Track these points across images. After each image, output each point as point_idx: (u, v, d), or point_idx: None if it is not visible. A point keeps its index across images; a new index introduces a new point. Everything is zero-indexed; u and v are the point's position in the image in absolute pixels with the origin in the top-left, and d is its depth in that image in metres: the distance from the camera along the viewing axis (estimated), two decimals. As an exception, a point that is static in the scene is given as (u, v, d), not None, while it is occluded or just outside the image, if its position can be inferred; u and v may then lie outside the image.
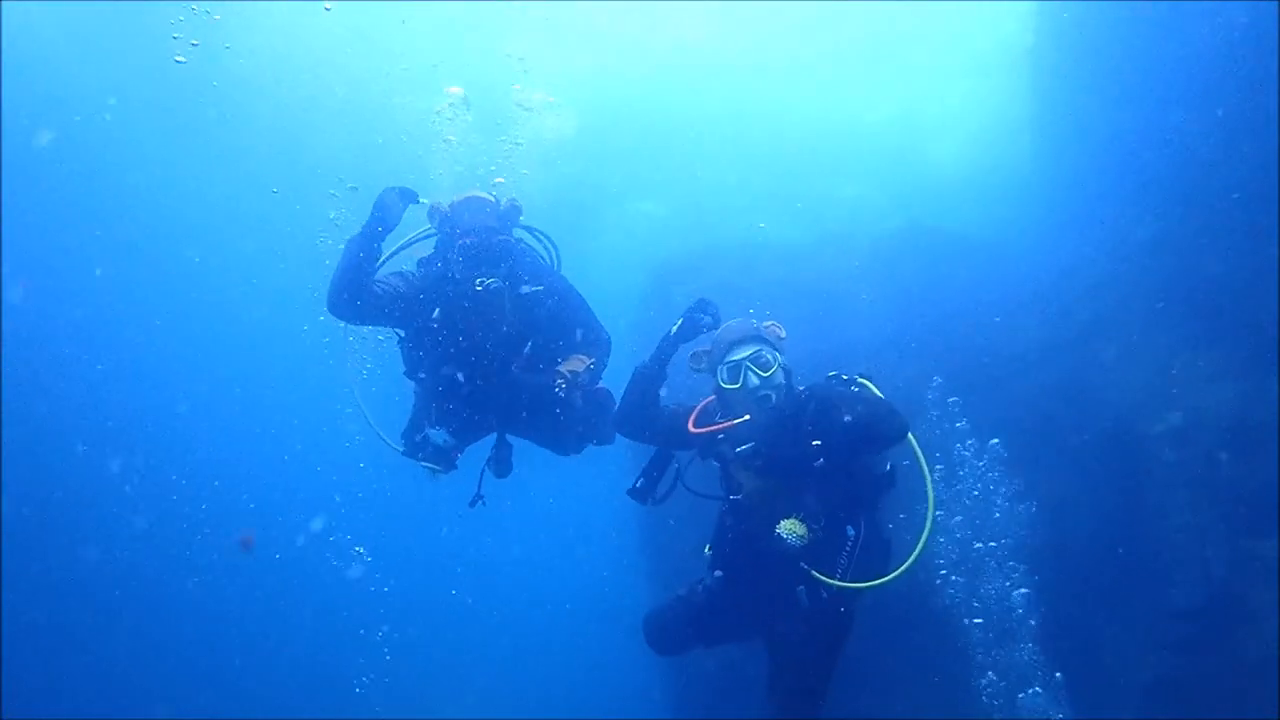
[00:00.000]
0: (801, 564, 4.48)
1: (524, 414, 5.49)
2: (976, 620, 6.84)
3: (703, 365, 4.87)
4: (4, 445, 16.62)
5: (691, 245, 13.42)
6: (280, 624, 20.60)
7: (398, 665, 19.96)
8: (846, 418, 4.41)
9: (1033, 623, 6.74)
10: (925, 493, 4.58)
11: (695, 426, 4.75)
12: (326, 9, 14.87)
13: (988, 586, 6.86)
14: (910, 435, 4.59)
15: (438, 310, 5.21)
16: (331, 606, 21.14)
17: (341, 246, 5.07)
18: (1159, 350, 7.75)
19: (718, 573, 4.91)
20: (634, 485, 5.03)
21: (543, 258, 5.61)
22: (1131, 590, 7.04)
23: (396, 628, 20.41)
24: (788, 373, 4.77)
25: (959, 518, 7.03)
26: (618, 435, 5.70)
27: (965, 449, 7.26)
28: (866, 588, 4.52)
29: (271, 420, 23.27)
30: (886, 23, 15.37)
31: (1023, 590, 6.78)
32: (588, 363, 5.42)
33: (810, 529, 4.46)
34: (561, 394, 5.22)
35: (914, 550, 4.50)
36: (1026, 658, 6.70)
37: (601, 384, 5.79)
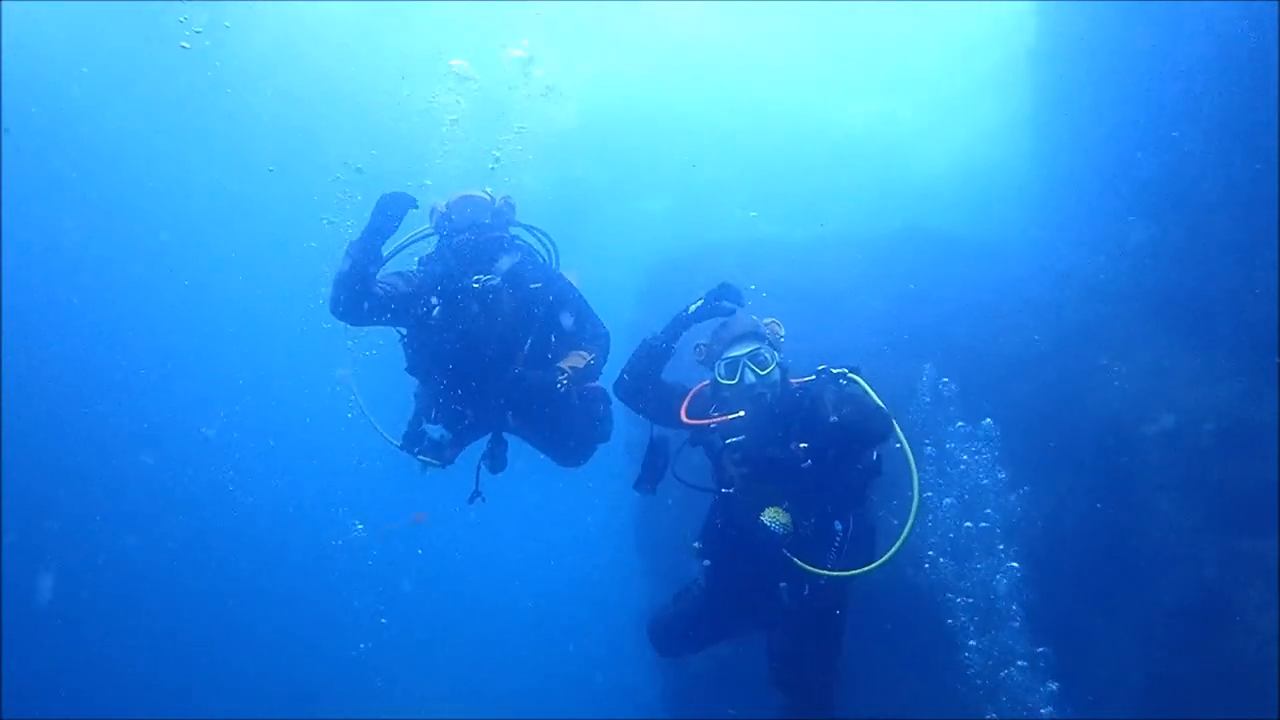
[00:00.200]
0: (784, 551, 4.54)
1: (524, 411, 5.53)
2: (966, 600, 6.89)
3: (703, 357, 4.93)
4: (4, 445, 16.61)
5: (690, 243, 13.43)
6: (270, 620, 20.57)
7: (387, 663, 19.99)
8: (832, 418, 4.50)
9: (1014, 607, 6.79)
10: (911, 480, 4.65)
11: (689, 415, 4.81)
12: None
13: (976, 567, 6.91)
14: (898, 429, 4.66)
15: (438, 309, 5.26)
16: (324, 601, 21.19)
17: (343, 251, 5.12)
18: (1153, 352, 7.81)
19: (706, 562, 4.99)
20: (638, 480, 5.08)
21: (541, 255, 5.66)
22: (1123, 590, 7.09)
23: (386, 621, 20.46)
24: (784, 371, 4.84)
25: (949, 499, 7.08)
26: (613, 428, 5.79)
27: (957, 430, 7.32)
28: (848, 576, 4.59)
29: (275, 416, 23.31)
30: (886, 23, 15.42)
31: (1013, 565, 6.82)
32: (588, 358, 5.48)
33: (796, 520, 4.54)
34: (562, 389, 5.26)
35: (898, 540, 4.58)
36: (1011, 639, 6.76)
37: (598, 383, 5.84)
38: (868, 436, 4.62)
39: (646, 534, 10.48)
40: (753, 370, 4.70)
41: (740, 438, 4.73)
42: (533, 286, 5.41)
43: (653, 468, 5.05)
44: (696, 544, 5.10)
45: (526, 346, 5.50)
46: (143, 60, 15.12)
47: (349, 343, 6.26)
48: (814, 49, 16.13)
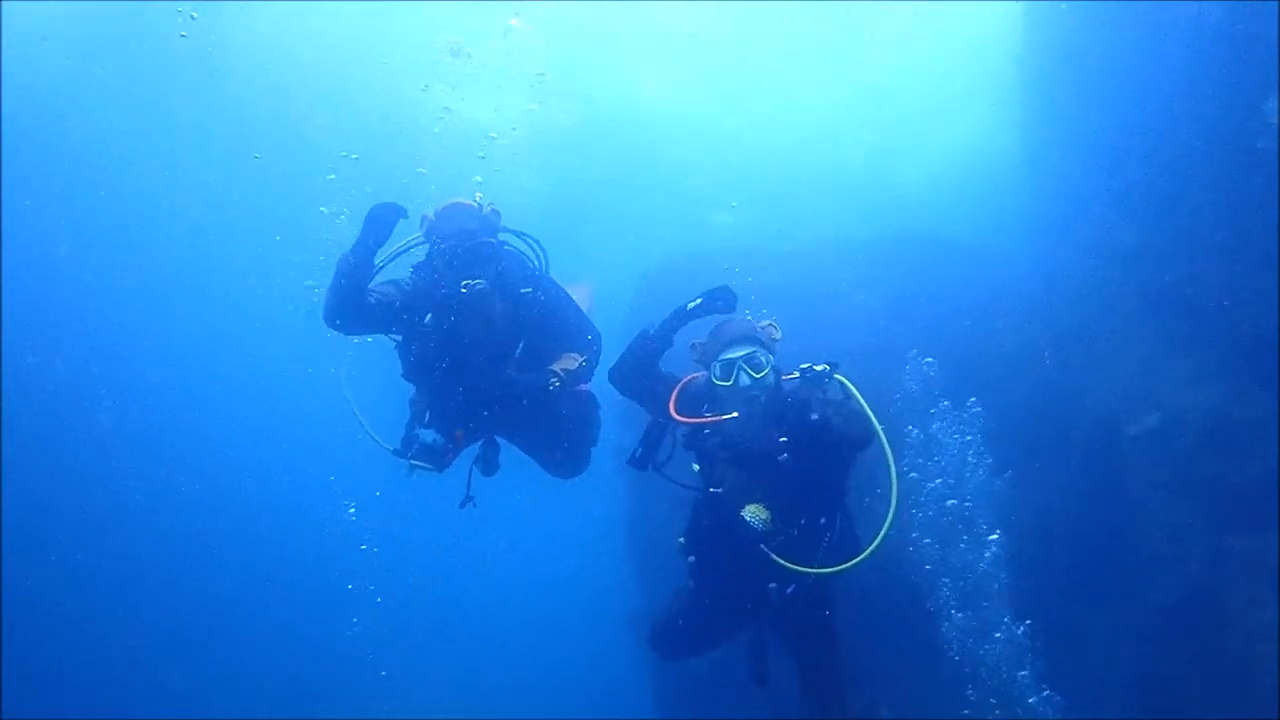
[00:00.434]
0: (762, 547, 4.61)
1: (516, 415, 5.57)
2: (944, 579, 6.95)
3: (698, 357, 5.01)
4: (4, 445, 16.58)
5: (682, 248, 13.49)
6: (270, 622, 20.57)
7: (381, 664, 19.99)
8: (814, 415, 4.58)
9: (997, 585, 6.85)
10: (890, 480, 4.73)
11: (681, 412, 4.88)
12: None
13: (960, 547, 6.96)
14: (881, 436, 4.73)
15: (430, 315, 5.31)
16: (317, 602, 21.18)
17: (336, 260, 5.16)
18: (1140, 353, 7.88)
19: (690, 559, 5.06)
20: (633, 454, 5.14)
21: (531, 260, 5.70)
22: (1112, 587, 7.16)
23: (373, 624, 20.46)
24: (777, 373, 4.91)
25: (937, 480, 7.14)
26: (600, 431, 5.85)
27: (941, 410, 7.38)
28: (832, 573, 4.67)
29: (270, 417, 23.31)
30: (873, 27, 15.49)
31: (995, 537, 6.87)
32: (579, 360, 5.54)
33: (778, 518, 4.62)
34: (555, 391, 5.32)
35: (879, 534, 4.67)
36: (990, 614, 6.82)
37: (588, 387, 5.90)
38: (847, 440, 4.73)
39: (639, 534, 10.52)
40: (748, 373, 4.79)
41: (724, 436, 4.83)
42: (523, 291, 5.46)
43: (652, 447, 5.10)
44: (681, 539, 5.18)
45: (518, 350, 5.56)
46: (134, 53, 15.01)
47: (348, 351, 6.29)
48: (804, 53, 16.19)
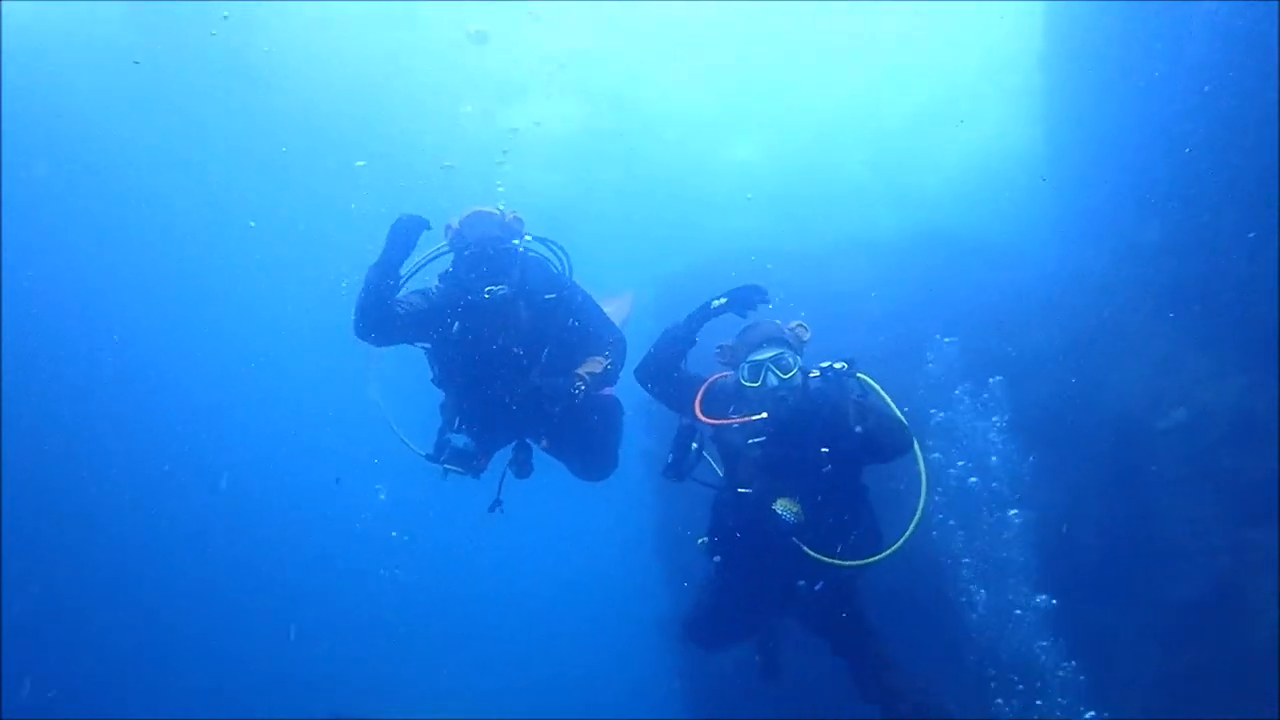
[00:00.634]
0: (794, 539, 4.69)
1: (543, 419, 5.66)
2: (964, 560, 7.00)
3: (726, 359, 5.08)
4: (5, 444, 16.75)
5: (701, 253, 13.54)
6: (289, 620, 20.71)
7: (409, 662, 20.15)
8: (857, 429, 4.66)
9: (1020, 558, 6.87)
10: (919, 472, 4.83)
11: (708, 413, 4.95)
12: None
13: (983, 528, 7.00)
14: (916, 446, 4.83)
15: (456, 323, 5.42)
16: (345, 603, 21.38)
17: (363, 274, 5.27)
18: (1162, 349, 7.89)
19: (716, 558, 5.13)
20: (666, 465, 5.20)
21: (554, 265, 5.79)
22: (1138, 583, 7.17)
23: (402, 624, 20.62)
24: (804, 374, 4.97)
25: (962, 462, 7.18)
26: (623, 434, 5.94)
27: (963, 393, 7.41)
28: (860, 566, 4.76)
29: (295, 420, 23.56)
30: (894, 24, 15.44)
31: (1014, 512, 6.88)
32: (604, 363, 5.60)
33: (808, 513, 4.70)
34: (580, 395, 5.39)
35: (908, 529, 4.76)
36: (1012, 595, 6.84)
37: (612, 391, 5.97)
38: (890, 450, 4.81)
39: (666, 535, 10.59)
40: (776, 374, 4.84)
41: (761, 439, 4.88)
42: (547, 297, 5.55)
43: (682, 455, 5.18)
44: (702, 540, 5.25)
45: (544, 355, 5.64)
46: (163, 51, 15.09)
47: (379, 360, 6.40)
48: (822, 51, 16.15)
